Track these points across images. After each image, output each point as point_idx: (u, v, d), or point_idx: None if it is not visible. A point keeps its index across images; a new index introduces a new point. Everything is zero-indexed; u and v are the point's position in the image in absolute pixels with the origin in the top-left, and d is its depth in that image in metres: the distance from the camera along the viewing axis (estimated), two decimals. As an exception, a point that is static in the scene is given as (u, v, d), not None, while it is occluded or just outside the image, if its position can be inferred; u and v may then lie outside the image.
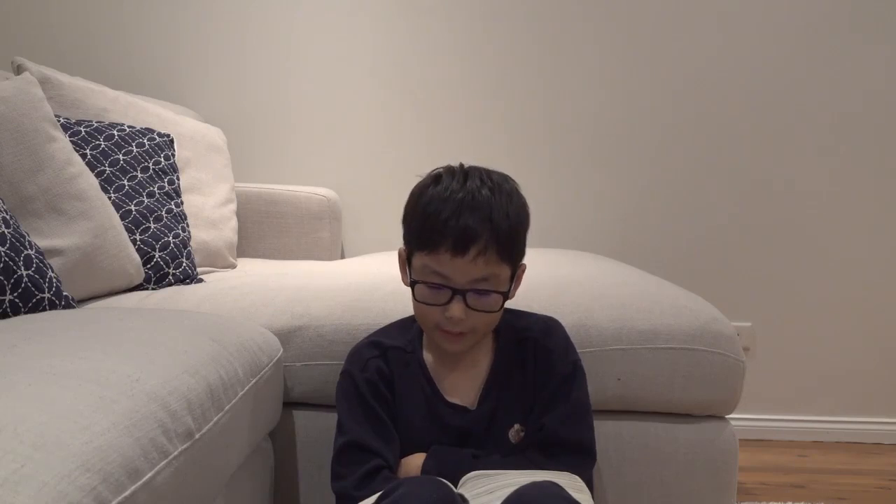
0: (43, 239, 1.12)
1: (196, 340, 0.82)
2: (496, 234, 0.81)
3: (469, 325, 0.84)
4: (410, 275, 0.87)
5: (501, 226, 0.81)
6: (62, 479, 0.49)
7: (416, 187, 0.88)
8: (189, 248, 1.40)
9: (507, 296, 0.86)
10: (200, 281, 1.37)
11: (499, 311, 0.86)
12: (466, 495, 0.77)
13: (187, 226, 1.44)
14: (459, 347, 0.87)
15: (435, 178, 0.86)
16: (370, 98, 2.03)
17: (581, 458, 0.89)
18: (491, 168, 0.88)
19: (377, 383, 0.89)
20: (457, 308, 0.82)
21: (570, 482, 0.82)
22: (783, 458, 1.88)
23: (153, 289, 1.30)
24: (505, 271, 0.85)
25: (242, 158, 1.98)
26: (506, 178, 0.87)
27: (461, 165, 0.88)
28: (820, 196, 1.99)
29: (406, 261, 0.89)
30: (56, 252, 1.13)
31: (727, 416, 1.10)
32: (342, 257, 2.01)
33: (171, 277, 1.33)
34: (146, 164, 1.40)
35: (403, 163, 2.02)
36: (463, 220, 0.80)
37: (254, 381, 0.89)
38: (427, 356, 0.92)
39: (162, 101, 1.80)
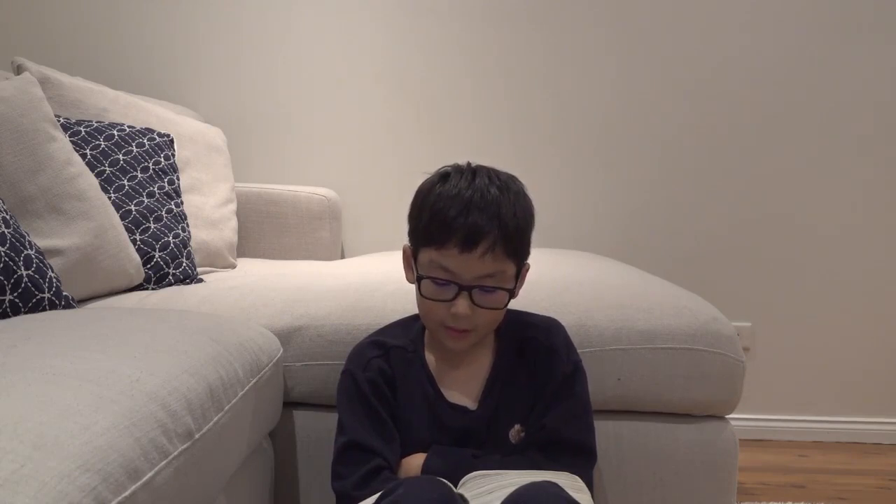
0: (43, 239, 1.12)
1: (196, 340, 0.82)
2: (504, 232, 0.81)
3: (473, 323, 0.84)
4: (416, 271, 0.87)
5: (509, 224, 0.82)
6: (62, 479, 0.49)
7: (423, 184, 0.88)
8: (189, 248, 1.40)
9: (512, 293, 0.86)
10: (200, 281, 1.37)
11: (503, 308, 0.87)
12: (466, 495, 0.77)
13: (187, 226, 1.44)
14: (462, 345, 0.87)
15: (443, 176, 0.86)
16: (370, 98, 2.03)
17: (581, 459, 0.89)
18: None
19: (379, 383, 0.89)
20: (462, 304, 0.82)
21: (570, 482, 0.82)
22: (783, 458, 1.88)
23: (153, 289, 1.30)
24: (511, 269, 0.85)
25: (242, 158, 1.98)
26: (512, 178, 0.88)
27: (468, 164, 0.88)
28: (820, 197, 1.99)
29: (411, 258, 0.89)
30: (56, 252, 1.13)
31: (727, 416, 1.10)
32: (342, 257, 2.01)
33: (171, 277, 1.33)
34: (146, 164, 1.40)
35: (404, 163, 2.02)
36: (472, 218, 0.80)
37: (254, 381, 0.89)
38: (429, 356, 0.92)
39: (162, 101, 1.80)
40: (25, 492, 0.46)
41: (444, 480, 0.76)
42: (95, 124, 1.37)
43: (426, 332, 0.94)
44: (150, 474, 0.58)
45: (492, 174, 0.86)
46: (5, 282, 0.92)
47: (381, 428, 0.87)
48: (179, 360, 0.74)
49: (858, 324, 2.00)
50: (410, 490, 0.72)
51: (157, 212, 1.37)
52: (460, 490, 0.79)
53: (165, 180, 1.43)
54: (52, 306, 0.99)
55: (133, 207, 1.33)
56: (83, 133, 1.33)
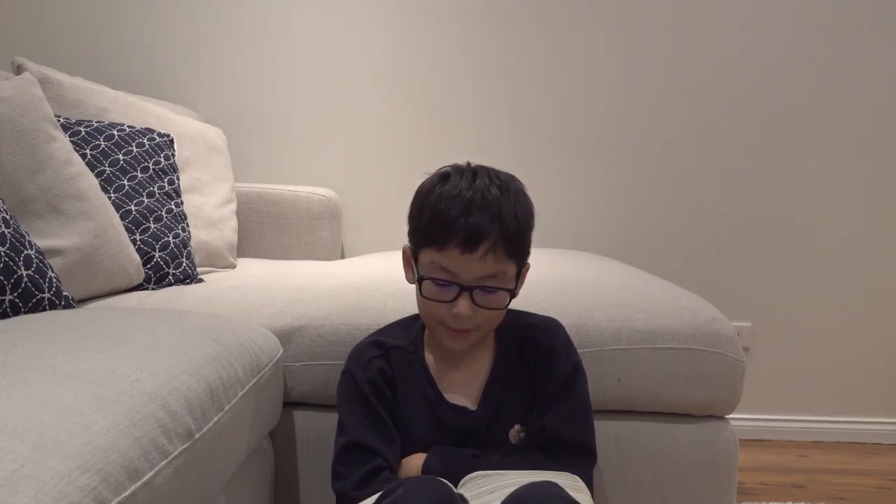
0: (43, 239, 1.12)
1: (196, 340, 0.82)
2: (505, 233, 0.81)
3: (474, 323, 0.85)
4: (417, 271, 0.87)
5: (510, 225, 0.82)
6: (62, 479, 0.49)
7: (423, 185, 0.88)
8: (189, 248, 1.40)
9: (513, 293, 0.86)
10: (200, 281, 1.37)
11: (504, 308, 0.87)
12: (466, 495, 0.77)
13: (187, 226, 1.44)
14: (462, 345, 0.87)
15: (443, 177, 0.86)
16: (370, 98, 2.03)
17: (581, 459, 0.89)
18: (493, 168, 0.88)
19: (379, 383, 0.89)
20: (464, 305, 0.82)
21: (570, 482, 0.82)
22: (783, 458, 1.88)
23: (153, 289, 1.30)
24: (511, 269, 0.85)
25: (242, 158, 1.98)
26: (512, 178, 0.87)
27: (468, 164, 0.88)
28: (821, 196, 1.99)
29: (412, 258, 0.89)
30: (56, 252, 1.13)
31: (727, 416, 1.10)
32: (342, 257, 2.01)
33: (171, 277, 1.33)
34: (146, 164, 1.40)
35: (403, 163, 2.02)
36: (473, 219, 0.80)
37: (254, 381, 0.89)
38: (429, 356, 0.92)
39: (162, 101, 1.80)
40: (25, 492, 0.46)
41: (444, 480, 0.76)
42: (95, 124, 1.37)
43: (426, 332, 0.94)
44: (150, 474, 0.58)
45: (492, 174, 0.85)
46: (5, 282, 0.92)
47: (381, 428, 0.87)
48: (179, 360, 0.74)
49: (858, 324, 2.00)
50: (410, 490, 0.72)
51: (157, 212, 1.37)
52: (460, 490, 0.79)
53: (165, 180, 1.43)
54: (52, 306, 0.99)
55: (133, 207, 1.33)
56: (83, 133, 1.33)
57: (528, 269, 0.90)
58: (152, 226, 1.35)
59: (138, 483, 0.56)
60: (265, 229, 1.87)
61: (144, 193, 1.37)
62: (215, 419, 0.74)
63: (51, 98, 1.31)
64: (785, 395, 2.02)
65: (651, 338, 1.05)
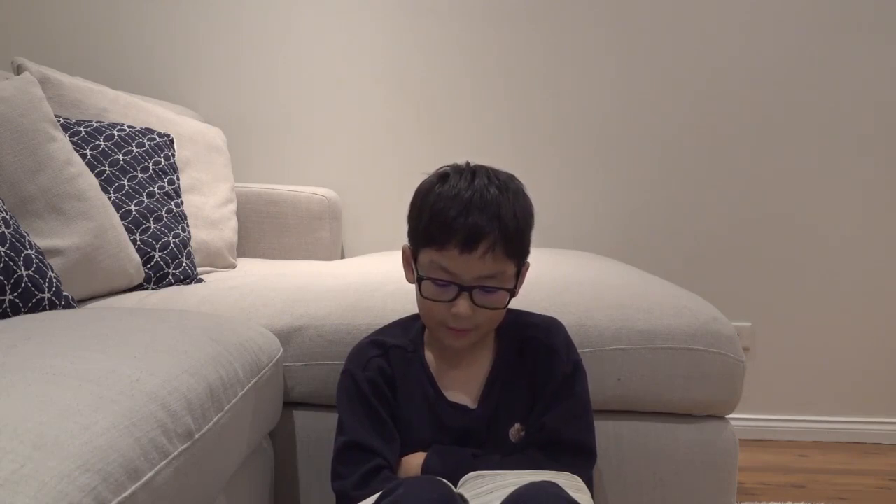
0: (43, 239, 1.12)
1: (196, 340, 0.82)
2: (504, 233, 0.81)
3: (474, 322, 0.85)
4: (417, 271, 0.87)
5: (509, 224, 0.82)
6: (62, 479, 0.49)
7: (422, 185, 0.88)
8: (189, 248, 1.40)
9: (513, 293, 0.86)
10: (200, 281, 1.37)
11: (504, 307, 0.87)
12: (466, 495, 0.77)
13: (187, 226, 1.44)
14: (463, 343, 0.87)
15: (442, 177, 0.86)
16: (370, 98, 2.03)
17: (581, 459, 0.89)
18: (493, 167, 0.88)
19: (379, 382, 0.89)
20: (463, 305, 0.83)
21: (570, 482, 0.82)
22: (783, 458, 1.88)
23: (153, 289, 1.30)
24: (511, 268, 0.85)
25: (242, 158, 1.98)
26: (511, 178, 0.87)
27: (468, 164, 0.88)
28: (820, 197, 1.99)
29: (411, 258, 0.89)
30: (56, 252, 1.13)
31: (727, 416, 1.10)
32: (342, 257, 2.01)
33: (171, 277, 1.33)
34: (146, 164, 1.40)
35: (403, 163, 2.02)
36: (472, 219, 0.80)
37: (254, 381, 0.89)
38: (429, 355, 0.93)
39: (162, 101, 1.80)
40: (25, 492, 0.46)
41: (444, 480, 0.76)
42: (95, 124, 1.37)
43: (426, 331, 0.94)
44: (150, 474, 0.58)
45: (491, 174, 0.85)
46: (5, 282, 0.92)
47: (381, 428, 0.87)
48: (179, 360, 0.74)
49: (858, 324, 2.00)
50: (410, 490, 0.72)
51: (157, 212, 1.37)
52: (460, 490, 0.79)
53: (165, 180, 1.43)
54: (52, 306, 0.99)
55: (133, 207, 1.33)
56: (83, 133, 1.33)
57: (527, 269, 0.90)
58: (152, 226, 1.35)
59: (138, 483, 0.56)
60: (265, 229, 1.87)
61: (144, 193, 1.37)
62: (215, 419, 0.74)
63: (51, 98, 1.31)
64: (785, 395, 2.02)
65: (651, 338, 1.05)
